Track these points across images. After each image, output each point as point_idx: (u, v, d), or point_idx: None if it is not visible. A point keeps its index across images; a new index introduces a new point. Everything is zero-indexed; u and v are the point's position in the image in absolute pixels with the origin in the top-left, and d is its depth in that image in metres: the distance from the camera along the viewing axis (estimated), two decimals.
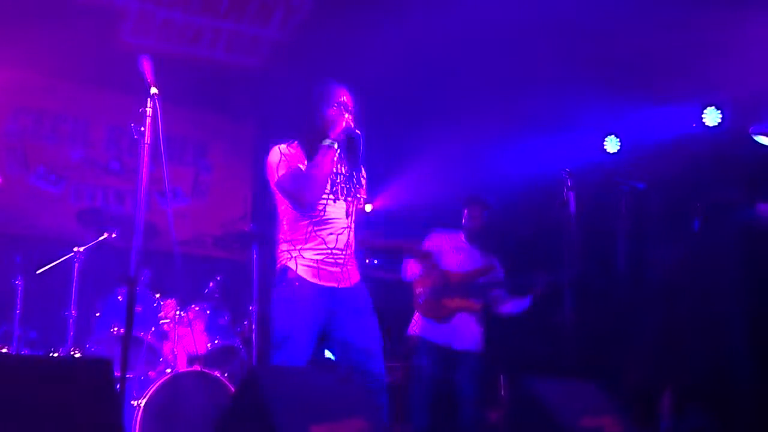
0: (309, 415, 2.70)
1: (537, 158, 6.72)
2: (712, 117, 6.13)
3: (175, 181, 7.67)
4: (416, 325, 5.11)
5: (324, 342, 3.57)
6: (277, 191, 3.59)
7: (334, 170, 3.57)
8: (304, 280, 3.48)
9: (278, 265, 3.57)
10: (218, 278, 5.74)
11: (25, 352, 5.13)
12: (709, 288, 5.20)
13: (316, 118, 3.57)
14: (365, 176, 3.75)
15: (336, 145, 3.49)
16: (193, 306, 5.35)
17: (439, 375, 4.95)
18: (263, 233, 5.51)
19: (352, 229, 3.62)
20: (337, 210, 3.56)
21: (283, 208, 3.62)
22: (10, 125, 7.19)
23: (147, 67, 3.34)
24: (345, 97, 3.63)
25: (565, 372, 4.73)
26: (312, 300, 3.46)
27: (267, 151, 3.60)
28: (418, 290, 5.11)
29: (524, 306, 5.09)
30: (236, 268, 6.32)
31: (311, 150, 3.51)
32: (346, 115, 3.53)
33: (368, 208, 8.66)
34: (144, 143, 3.28)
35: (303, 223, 3.53)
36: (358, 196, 3.67)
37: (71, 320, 4.99)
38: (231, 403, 2.96)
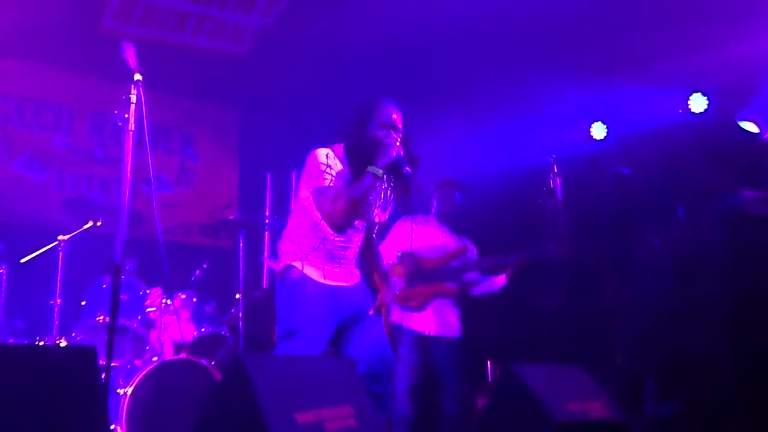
0: (295, 403, 2.70)
1: (523, 145, 6.72)
2: (698, 103, 6.14)
3: (161, 169, 7.63)
4: (393, 313, 5.05)
5: (336, 342, 3.54)
6: (313, 198, 3.45)
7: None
8: (310, 279, 3.45)
9: (282, 263, 3.52)
10: (205, 266, 5.73)
11: (10, 341, 5.10)
12: (693, 273, 5.24)
13: (364, 135, 3.43)
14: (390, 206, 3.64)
15: (382, 174, 3.33)
16: (179, 294, 5.34)
17: (419, 362, 4.89)
18: (249, 221, 5.49)
19: (359, 245, 3.60)
20: (355, 231, 3.54)
21: (307, 210, 3.50)
22: None
23: (130, 53, 3.31)
24: (396, 116, 3.51)
25: (551, 357, 4.75)
26: (319, 297, 3.43)
27: (307, 151, 3.47)
28: (392, 280, 5.03)
29: (499, 285, 5.04)
30: (223, 256, 6.31)
31: (354, 165, 3.41)
32: (398, 143, 3.37)
33: None
34: (128, 130, 3.25)
35: (318, 234, 3.47)
36: (379, 222, 3.63)
37: (56, 309, 4.96)
38: (217, 391, 2.96)
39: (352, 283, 3.57)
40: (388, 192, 3.52)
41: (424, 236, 5.10)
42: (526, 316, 6.06)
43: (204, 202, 7.74)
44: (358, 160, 3.39)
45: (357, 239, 3.59)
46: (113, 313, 3.13)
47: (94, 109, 7.47)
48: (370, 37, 6.15)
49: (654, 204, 5.91)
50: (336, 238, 3.48)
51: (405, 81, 6.70)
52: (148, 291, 5.32)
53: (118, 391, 4.56)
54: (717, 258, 5.12)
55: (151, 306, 5.24)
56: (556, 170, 4.80)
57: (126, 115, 3.26)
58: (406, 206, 3.57)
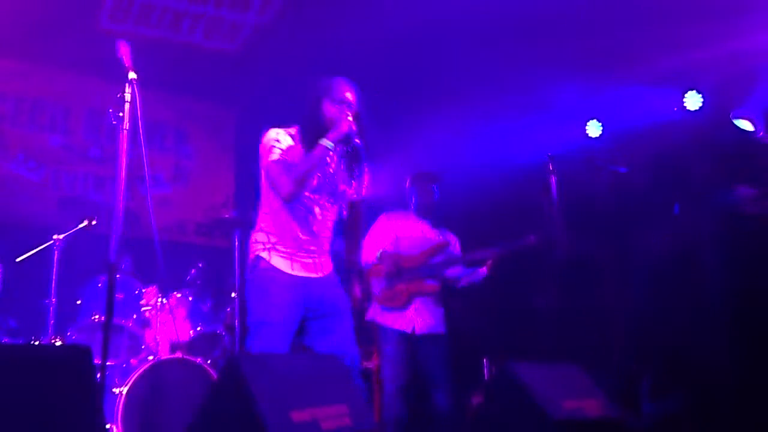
0: (291, 401, 2.70)
1: (519, 143, 6.72)
2: (693, 101, 6.14)
3: (156, 168, 7.62)
4: (373, 312, 5.02)
5: (301, 333, 3.57)
6: (265, 175, 3.56)
7: (325, 167, 3.55)
8: (278, 270, 3.49)
9: (251, 255, 3.57)
10: (200, 265, 5.72)
11: (5, 340, 5.08)
12: (690, 271, 5.24)
13: (318, 112, 3.53)
14: (364, 177, 3.70)
15: (332, 146, 3.42)
16: (174, 293, 5.33)
17: (406, 362, 4.83)
18: (245, 220, 5.48)
19: (330, 228, 3.64)
20: (318, 207, 3.57)
21: (267, 193, 3.59)
22: None
23: (125, 51, 3.31)
24: (350, 94, 3.58)
25: (547, 355, 4.75)
26: (286, 289, 3.47)
27: (261, 132, 3.58)
28: (372, 280, 5.01)
29: (481, 276, 5.01)
30: (218, 255, 6.30)
31: (308, 141, 3.47)
32: (350, 118, 3.46)
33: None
34: (123, 129, 3.24)
35: (284, 213, 3.53)
36: (343, 196, 3.67)
37: (51, 308, 4.95)
38: (213, 390, 2.95)
39: (322, 275, 3.59)
40: (350, 166, 3.61)
41: (404, 232, 5.05)
42: (522, 315, 6.06)
43: (200, 201, 7.73)
44: (312, 136, 3.46)
45: (323, 219, 3.59)
46: (109, 312, 3.13)
47: (90, 108, 7.46)
48: (366, 34, 6.15)
49: (650, 202, 5.91)
50: (302, 214, 3.52)
51: (402, 80, 6.71)
52: (143, 290, 5.31)
53: (113, 390, 4.55)
54: (713, 256, 5.13)
55: (146, 305, 5.23)
56: (552, 168, 4.79)
57: (121, 114, 3.26)
58: (360, 179, 3.64)
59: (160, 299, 5.23)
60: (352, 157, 3.56)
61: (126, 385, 4.55)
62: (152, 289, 5.29)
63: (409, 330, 4.83)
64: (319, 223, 3.58)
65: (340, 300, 3.61)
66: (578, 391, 3.67)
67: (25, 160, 5.58)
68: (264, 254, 3.51)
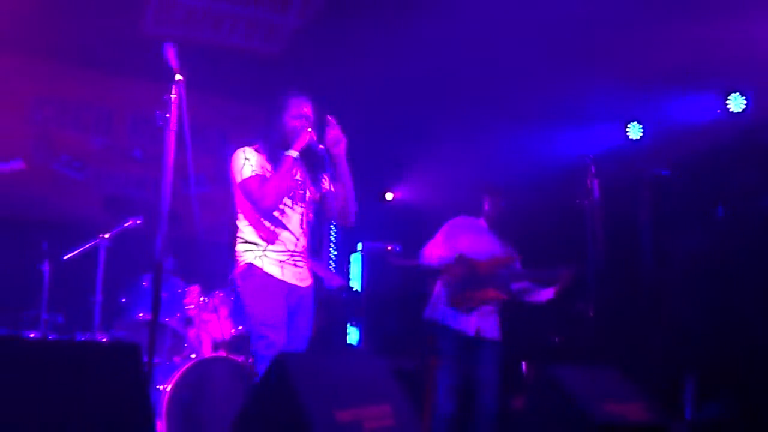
0: (335, 401, 2.73)
1: (560, 146, 6.69)
2: (736, 103, 6.07)
3: (198, 168, 7.70)
4: (434, 310, 5.11)
5: None
6: (239, 192, 3.80)
7: (294, 176, 3.82)
8: (271, 276, 3.73)
9: (242, 264, 3.79)
10: None
11: (51, 336, 5.18)
12: (734, 275, 5.17)
13: (280, 127, 3.81)
14: (326, 179, 3.95)
15: (297, 155, 3.71)
16: (217, 292, 5.37)
17: (462, 362, 4.98)
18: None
19: (307, 234, 3.89)
20: (294, 215, 3.82)
21: (244, 208, 3.83)
22: (34, 114, 7.27)
23: (171, 54, 3.37)
24: (306, 109, 3.85)
25: (588, 359, 4.73)
26: (279, 293, 3.72)
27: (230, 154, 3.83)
28: (443, 280, 5.10)
29: (546, 298, 5.11)
30: None
31: (273, 156, 3.76)
32: (309, 129, 3.74)
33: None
34: (169, 130, 3.30)
35: (266, 225, 3.77)
36: (314, 201, 3.94)
37: (97, 305, 5.04)
38: (257, 389, 2.99)
39: (305, 285, 3.85)
40: (314, 172, 3.91)
41: (475, 239, 5.14)
42: (562, 318, 6.03)
43: None
44: (276, 150, 3.77)
45: (300, 225, 3.84)
46: (155, 310, 3.18)
47: (133, 110, 7.58)
48: (406, 37, 6.15)
49: (692, 204, 5.85)
50: (281, 223, 3.76)
51: (444, 83, 6.70)
52: (186, 288, 5.37)
53: (157, 387, 4.62)
54: (758, 259, 5.06)
55: (189, 304, 5.29)
56: (593, 170, 4.77)
57: (167, 115, 3.32)
58: (313, 172, 3.92)
59: (202, 298, 5.29)
60: (316, 163, 3.83)
61: (170, 383, 4.61)
62: (195, 288, 5.34)
63: (471, 333, 4.95)
64: (297, 228, 3.83)
65: (310, 311, 3.87)
66: (620, 395, 3.65)
67: (70, 160, 5.69)
68: (257, 261, 3.75)
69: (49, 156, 7.10)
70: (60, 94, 7.40)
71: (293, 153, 3.70)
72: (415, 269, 5.30)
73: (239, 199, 3.83)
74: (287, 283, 3.76)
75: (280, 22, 7.01)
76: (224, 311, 5.28)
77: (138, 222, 5.31)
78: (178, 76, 3.38)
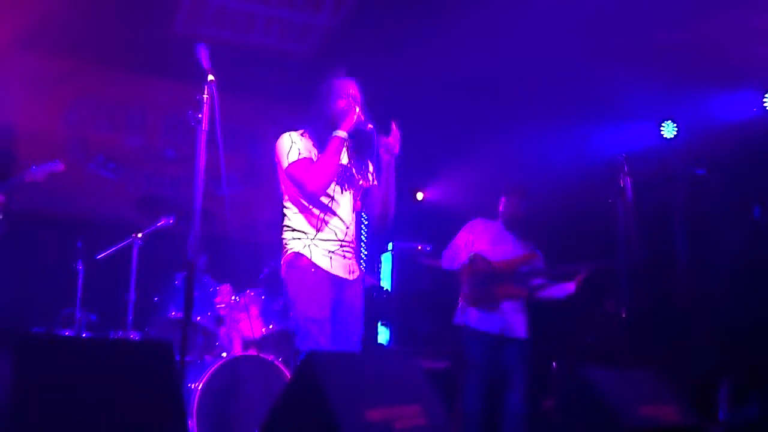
0: (365, 400, 2.72)
1: (594, 144, 6.63)
2: None
3: (230, 168, 7.74)
4: (462, 314, 5.11)
5: None
6: (286, 178, 3.68)
7: (342, 161, 3.67)
8: (319, 267, 3.58)
9: (289, 252, 3.65)
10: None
11: (85, 334, 5.25)
12: None
13: (327, 110, 3.68)
14: (372, 170, 3.85)
15: (345, 135, 3.56)
16: (248, 291, 5.40)
17: (490, 363, 4.98)
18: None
19: (357, 221, 3.76)
20: (344, 201, 3.68)
21: (291, 194, 3.70)
22: (70, 114, 7.38)
23: (204, 54, 3.39)
24: (353, 90, 3.71)
25: (621, 360, 4.68)
26: (327, 286, 3.58)
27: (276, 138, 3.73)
28: (464, 279, 5.11)
29: (567, 291, 5.05)
30: None
31: (321, 140, 3.61)
32: (357, 109, 3.59)
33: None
34: (201, 130, 3.32)
35: (315, 212, 3.63)
36: (361, 188, 3.79)
37: (130, 304, 5.09)
38: (287, 389, 2.99)
39: (354, 278, 3.70)
40: (363, 156, 3.76)
41: (493, 240, 5.13)
42: (594, 319, 5.98)
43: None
44: (324, 132, 3.60)
45: (350, 212, 3.70)
46: (187, 309, 3.21)
47: (166, 110, 7.65)
48: (437, 38, 6.14)
49: (728, 204, 5.76)
50: (331, 210, 3.62)
51: (475, 82, 6.68)
52: (217, 287, 5.40)
53: (189, 385, 4.65)
54: None
55: (220, 303, 5.32)
56: (626, 169, 4.72)
57: (199, 115, 3.34)
58: (363, 155, 3.76)
59: (233, 297, 5.32)
60: (365, 146, 3.69)
61: (201, 381, 4.65)
62: (226, 287, 5.38)
63: (497, 331, 4.95)
64: (347, 215, 3.69)
65: (360, 305, 3.73)
66: (653, 397, 3.60)
67: (105, 161, 5.75)
68: (305, 251, 3.60)
69: (84, 156, 7.19)
70: (94, 94, 7.50)
71: (341, 133, 3.54)
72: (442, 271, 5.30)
73: (286, 184, 3.70)
74: (335, 275, 3.61)
75: (313, 22, 7.03)
76: (255, 310, 5.31)
77: (170, 221, 5.35)
78: (210, 77, 3.40)
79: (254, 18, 7.00)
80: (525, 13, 5.80)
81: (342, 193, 3.68)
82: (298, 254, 3.60)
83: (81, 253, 5.38)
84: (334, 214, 3.65)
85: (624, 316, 4.56)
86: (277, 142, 3.71)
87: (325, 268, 3.59)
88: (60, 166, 5.39)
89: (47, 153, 5.70)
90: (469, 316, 5.05)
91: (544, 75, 6.26)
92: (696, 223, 5.89)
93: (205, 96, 3.36)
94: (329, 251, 3.61)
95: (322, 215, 3.62)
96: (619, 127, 6.64)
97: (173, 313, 5.22)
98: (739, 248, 5.44)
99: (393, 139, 3.62)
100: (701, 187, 5.63)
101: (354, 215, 3.74)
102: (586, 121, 6.60)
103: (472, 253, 5.07)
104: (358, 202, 3.79)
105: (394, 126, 3.61)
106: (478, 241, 5.14)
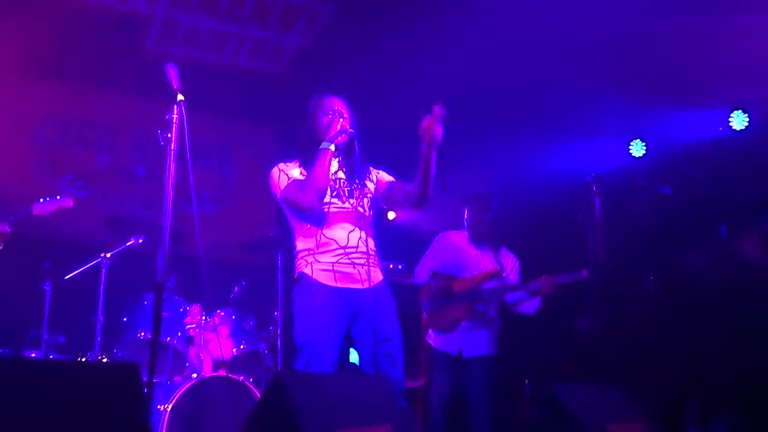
0: (335, 420, 2.71)
1: (562, 163, 6.68)
2: (739, 120, 6.07)
3: (201, 187, 7.71)
4: (425, 334, 5.10)
5: (350, 344, 3.61)
6: (284, 205, 3.71)
7: (335, 174, 3.67)
8: (321, 284, 3.53)
9: (296, 273, 3.66)
10: (243, 283, 5.77)
11: (53, 356, 5.18)
12: (737, 294, 5.15)
13: (313, 128, 3.70)
14: (373, 171, 3.82)
15: (333, 147, 3.58)
16: (218, 311, 5.36)
17: (451, 384, 4.94)
18: (288, 238, 5.52)
19: (365, 229, 3.68)
20: (343, 212, 3.63)
21: (292, 219, 3.72)
22: (38, 132, 7.31)
23: (173, 74, 3.38)
24: (338, 105, 3.72)
25: (590, 377, 4.70)
26: (330, 304, 3.50)
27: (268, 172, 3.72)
28: (423, 301, 5.08)
29: (535, 307, 5.00)
30: (261, 273, 6.33)
31: (309, 162, 3.60)
32: (341, 120, 3.62)
33: (391, 215, 8.66)
34: (170, 149, 3.31)
35: (313, 229, 3.62)
36: (364, 194, 3.72)
37: (99, 325, 5.02)
38: (257, 408, 2.97)
39: (368, 286, 3.57)
40: (352, 165, 3.72)
41: (458, 254, 5.09)
42: (564, 336, 6.01)
43: (243, 220, 7.80)
44: (313, 150, 3.59)
45: (353, 221, 3.63)
46: (156, 330, 3.17)
47: (136, 129, 7.61)
48: (409, 57, 6.18)
49: (695, 223, 5.83)
50: (329, 223, 3.58)
51: (444, 101, 6.71)
52: (187, 308, 5.36)
53: (158, 407, 4.60)
54: (761, 278, 5.04)
55: (190, 323, 5.27)
56: (595, 189, 4.77)
57: (168, 135, 3.32)
58: (355, 162, 3.73)
59: (204, 317, 5.28)
60: (351, 150, 3.69)
61: (170, 403, 4.59)
62: (196, 307, 5.33)
63: (455, 352, 4.90)
64: (350, 225, 3.62)
65: (388, 311, 3.60)
66: (622, 414, 3.63)
67: (73, 179, 5.69)
68: (306, 269, 3.58)
69: (53, 174, 7.12)
70: (64, 113, 7.44)
71: (326, 145, 3.55)
72: (415, 288, 5.28)
73: (287, 212, 3.74)
74: (342, 289, 3.53)
75: (284, 41, 7.04)
76: (225, 330, 5.28)
77: (140, 241, 5.31)
78: (179, 96, 3.38)
79: (226, 37, 7.01)
80: (494, 34, 5.86)
81: (343, 203, 3.65)
82: (301, 274, 3.61)
83: (48, 273, 5.32)
84: (334, 226, 3.60)
85: (593, 333, 4.59)
86: (270, 174, 3.72)
87: (328, 284, 3.53)
88: (69, 202, 5.32)
89: (15, 170, 5.64)
90: (429, 336, 5.04)
91: (514, 94, 6.31)
92: (663, 242, 5.95)
93: (174, 116, 3.34)
94: (332, 263, 3.56)
95: (320, 231, 3.60)
96: (588, 146, 6.71)
97: (142, 334, 5.16)
98: (705, 266, 5.50)
99: (436, 129, 3.56)
100: (668, 205, 5.69)
101: (360, 222, 3.66)
102: (556, 139, 6.66)
103: (432, 272, 5.04)
104: (368, 211, 3.71)
105: (436, 109, 3.56)
106: (448, 253, 5.10)
